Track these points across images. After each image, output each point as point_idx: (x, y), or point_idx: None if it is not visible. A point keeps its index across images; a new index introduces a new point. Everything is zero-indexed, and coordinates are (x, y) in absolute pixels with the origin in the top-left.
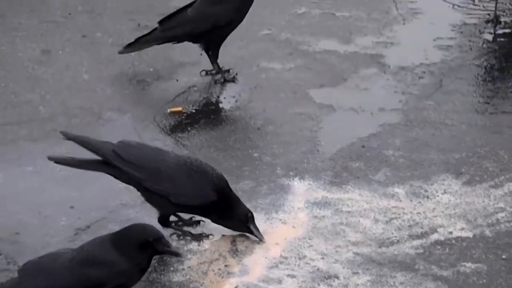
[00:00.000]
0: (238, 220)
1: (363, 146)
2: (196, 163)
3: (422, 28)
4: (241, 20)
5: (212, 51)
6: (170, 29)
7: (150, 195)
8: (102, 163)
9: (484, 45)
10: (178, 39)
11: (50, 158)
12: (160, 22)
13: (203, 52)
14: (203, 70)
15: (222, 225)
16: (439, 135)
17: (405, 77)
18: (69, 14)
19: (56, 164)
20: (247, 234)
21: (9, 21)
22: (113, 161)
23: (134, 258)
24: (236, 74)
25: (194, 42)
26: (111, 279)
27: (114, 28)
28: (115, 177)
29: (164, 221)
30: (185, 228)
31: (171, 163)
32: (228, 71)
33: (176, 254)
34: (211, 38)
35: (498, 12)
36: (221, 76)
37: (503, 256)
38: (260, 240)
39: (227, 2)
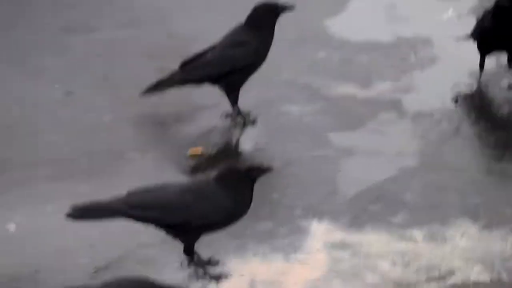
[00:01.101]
0: None
1: (381, 189)
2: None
3: (440, 75)
4: (260, 64)
5: (232, 93)
6: (190, 72)
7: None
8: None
9: (502, 93)
10: (198, 81)
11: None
12: (181, 65)
13: (223, 95)
14: (223, 113)
15: None
16: (457, 180)
17: (423, 122)
18: (92, 57)
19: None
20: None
21: (34, 59)
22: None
23: None
24: (256, 117)
25: (214, 84)
26: None
27: (135, 71)
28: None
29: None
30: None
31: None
32: (248, 114)
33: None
34: (230, 81)
35: None
36: (241, 119)
37: None
38: None
39: (246, 45)
